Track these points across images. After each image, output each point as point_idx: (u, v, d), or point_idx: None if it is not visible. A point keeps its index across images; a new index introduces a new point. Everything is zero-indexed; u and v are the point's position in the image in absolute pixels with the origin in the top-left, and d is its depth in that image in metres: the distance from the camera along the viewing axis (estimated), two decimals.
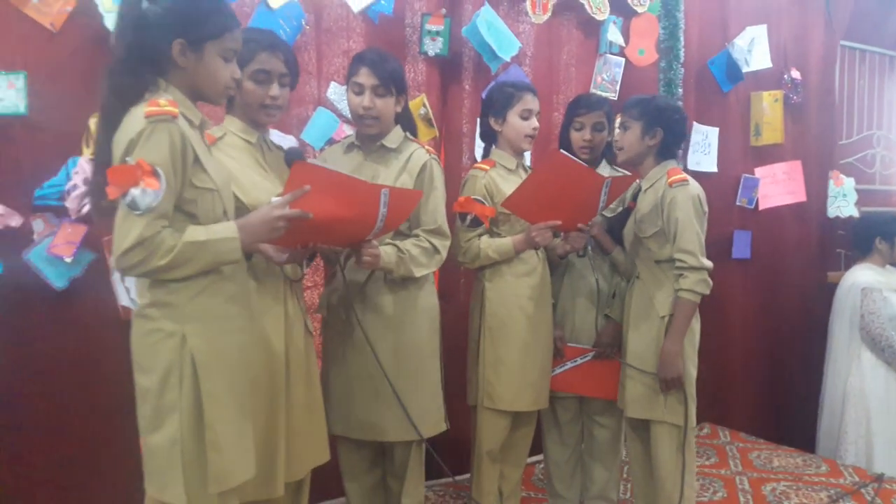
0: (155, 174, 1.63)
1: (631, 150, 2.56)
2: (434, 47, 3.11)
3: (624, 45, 3.58)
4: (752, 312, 4.16)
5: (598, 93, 3.52)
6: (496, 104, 2.61)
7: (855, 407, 3.63)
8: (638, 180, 2.60)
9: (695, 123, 3.88)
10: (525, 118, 2.59)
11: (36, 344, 2.45)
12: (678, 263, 2.45)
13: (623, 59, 3.59)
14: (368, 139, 2.39)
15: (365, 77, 2.31)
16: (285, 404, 2.10)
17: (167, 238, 1.66)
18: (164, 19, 1.70)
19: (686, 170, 3.75)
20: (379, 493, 2.54)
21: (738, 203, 4.06)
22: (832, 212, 4.36)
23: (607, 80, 3.58)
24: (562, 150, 2.53)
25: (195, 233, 1.71)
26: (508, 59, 3.20)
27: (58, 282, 2.45)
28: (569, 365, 2.74)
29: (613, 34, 3.52)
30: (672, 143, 2.58)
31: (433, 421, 2.41)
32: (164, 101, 1.69)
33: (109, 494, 2.49)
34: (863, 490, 3.15)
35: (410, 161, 2.38)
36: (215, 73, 1.78)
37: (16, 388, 2.44)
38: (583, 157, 2.73)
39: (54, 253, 2.42)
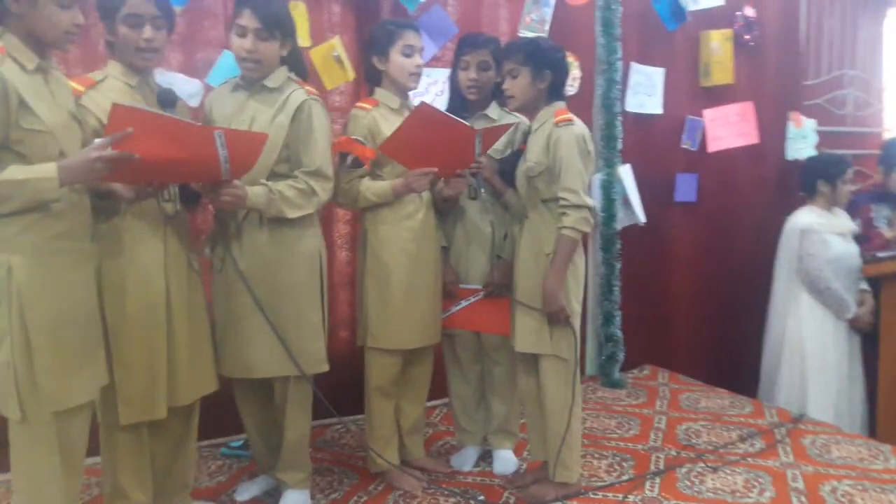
0: None
1: (523, 97, 2.53)
2: None
3: None
4: (699, 255, 4.14)
5: (527, 33, 3.50)
6: (378, 42, 2.61)
7: (791, 350, 3.61)
8: (529, 123, 2.60)
9: (635, 64, 3.82)
10: (408, 55, 2.59)
11: None
12: (561, 202, 2.45)
13: None
14: (251, 80, 2.42)
15: (248, 20, 2.31)
16: (167, 336, 2.21)
17: None
18: None
19: (625, 112, 3.74)
20: (273, 425, 2.62)
21: (682, 145, 4.00)
22: (791, 154, 4.25)
23: (536, 20, 3.53)
24: (425, 101, 2.52)
25: (15, 171, 1.79)
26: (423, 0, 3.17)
27: None
28: (462, 304, 2.77)
29: None
30: (559, 84, 2.56)
31: (313, 360, 2.46)
32: None
33: None
34: (775, 430, 3.16)
35: (288, 101, 2.39)
36: (50, 18, 1.85)
37: None
38: (470, 96, 2.73)
39: None
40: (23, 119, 1.81)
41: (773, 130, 4.21)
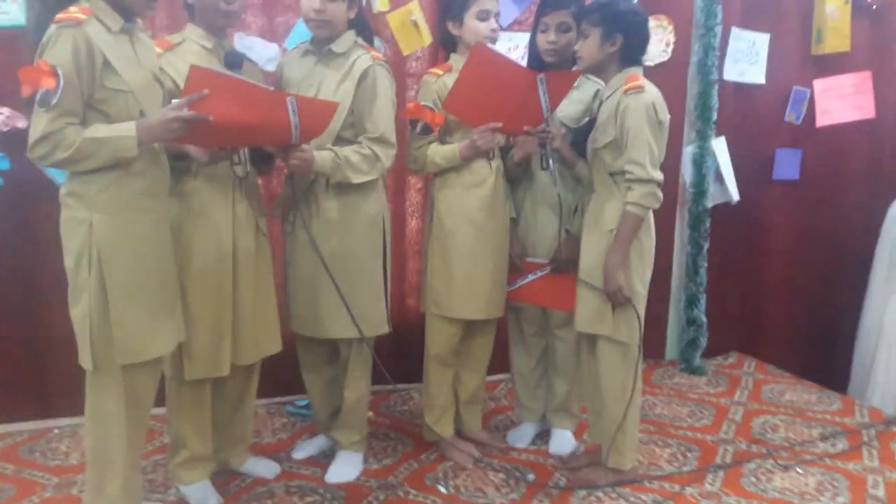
0: (54, 74, 1.79)
1: (590, 59, 2.42)
2: None
3: None
4: (797, 238, 3.84)
5: None
6: (453, 7, 2.55)
7: (888, 344, 3.32)
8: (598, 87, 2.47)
9: (736, 29, 3.55)
10: (483, 19, 2.51)
11: (41, 234, 2.71)
12: (627, 175, 2.33)
13: None
14: (320, 43, 2.42)
15: None
16: (232, 296, 2.28)
17: (70, 133, 1.83)
18: None
19: (721, 80, 3.50)
20: (335, 387, 2.67)
21: (786, 119, 3.70)
22: None
23: None
24: (481, 42, 2.44)
25: (96, 130, 1.86)
26: None
27: (59, 178, 2.69)
28: (529, 278, 2.70)
29: None
30: (634, 49, 2.40)
31: (374, 322, 2.48)
32: (76, 8, 1.85)
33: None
34: (863, 431, 2.92)
35: (354, 67, 2.38)
36: None
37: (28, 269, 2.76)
38: (548, 59, 2.62)
39: None
40: (107, 79, 1.88)
41: (892, 105, 3.83)
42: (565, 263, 2.62)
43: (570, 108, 2.65)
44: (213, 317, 2.25)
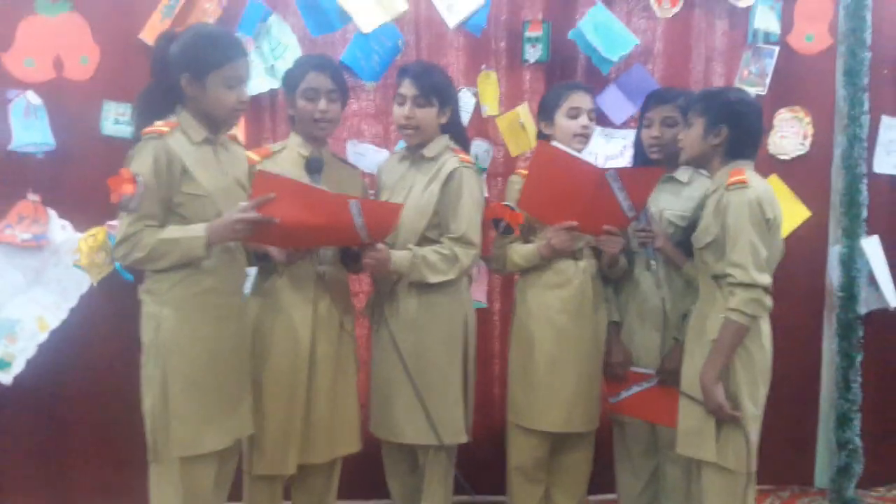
0: (134, 181, 1.96)
1: (692, 150, 2.28)
2: (534, 54, 3.05)
3: (778, 31, 3.11)
4: None
5: (745, 87, 3.13)
6: (544, 107, 2.54)
7: None
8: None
9: (888, 118, 3.21)
10: (573, 117, 2.47)
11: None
12: (729, 279, 2.13)
13: (775, 49, 3.11)
14: (413, 149, 2.48)
15: (407, 88, 2.40)
16: (307, 394, 2.31)
17: (146, 235, 2.00)
18: (176, 58, 2.07)
19: (872, 174, 3.16)
20: (418, 496, 2.57)
21: None
22: None
23: (755, 73, 3.15)
24: (551, 142, 2.37)
25: (171, 231, 2.02)
26: (616, 60, 3.00)
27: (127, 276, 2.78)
28: (634, 389, 2.51)
29: (763, 21, 3.08)
30: (741, 142, 2.23)
31: (452, 430, 2.40)
32: (163, 122, 2.04)
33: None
34: None
35: (442, 170, 2.41)
36: (218, 99, 2.09)
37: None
38: (652, 156, 2.51)
39: None
40: (185, 185, 2.05)
41: None
42: (672, 375, 2.40)
43: (679, 204, 2.50)
44: (284, 414, 2.28)
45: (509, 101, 3.11)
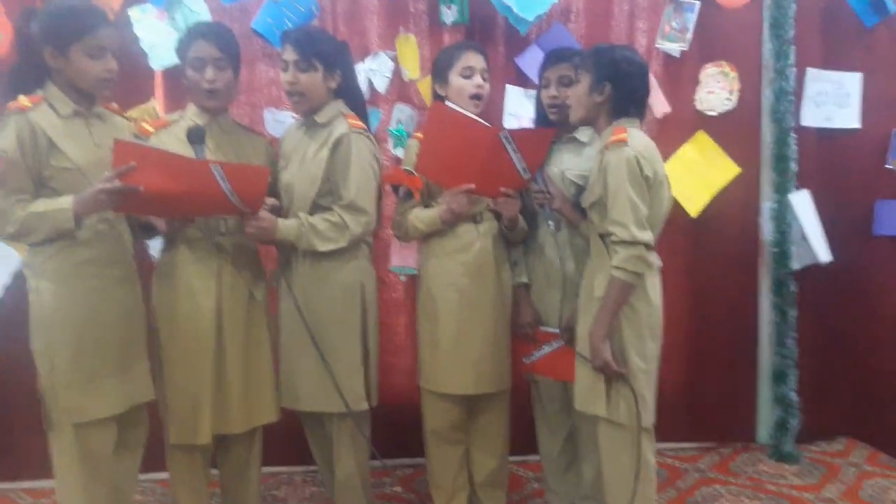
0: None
1: (578, 108, 2.25)
2: (450, 15, 3.02)
3: None
4: None
5: (666, 44, 3.10)
6: (438, 68, 2.50)
7: None
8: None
9: (814, 70, 3.16)
10: (467, 76, 2.44)
11: None
12: (611, 237, 2.11)
13: (696, 3, 3.05)
14: (306, 114, 2.42)
15: (288, 53, 2.35)
16: (216, 364, 2.31)
17: (17, 210, 2.02)
18: (38, 33, 2.08)
19: (800, 128, 3.12)
20: None
21: (887, 165, 3.19)
22: None
23: (677, 28, 3.10)
24: (444, 102, 2.33)
25: (38, 205, 2.03)
26: (532, 20, 2.96)
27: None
28: (545, 349, 2.50)
29: None
30: (625, 100, 2.19)
31: (351, 397, 2.36)
32: (26, 97, 2.06)
33: None
34: None
35: (331, 135, 2.36)
36: (83, 70, 2.08)
37: None
38: (551, 116, 2.48)
39: None
40: (53, 158, 2.06)
41: None
42: (572, 332, 2.39)
43: (581, 164, 2.47)
44: (193, 384, 2.28)
45: (430, 64, 3.09)
